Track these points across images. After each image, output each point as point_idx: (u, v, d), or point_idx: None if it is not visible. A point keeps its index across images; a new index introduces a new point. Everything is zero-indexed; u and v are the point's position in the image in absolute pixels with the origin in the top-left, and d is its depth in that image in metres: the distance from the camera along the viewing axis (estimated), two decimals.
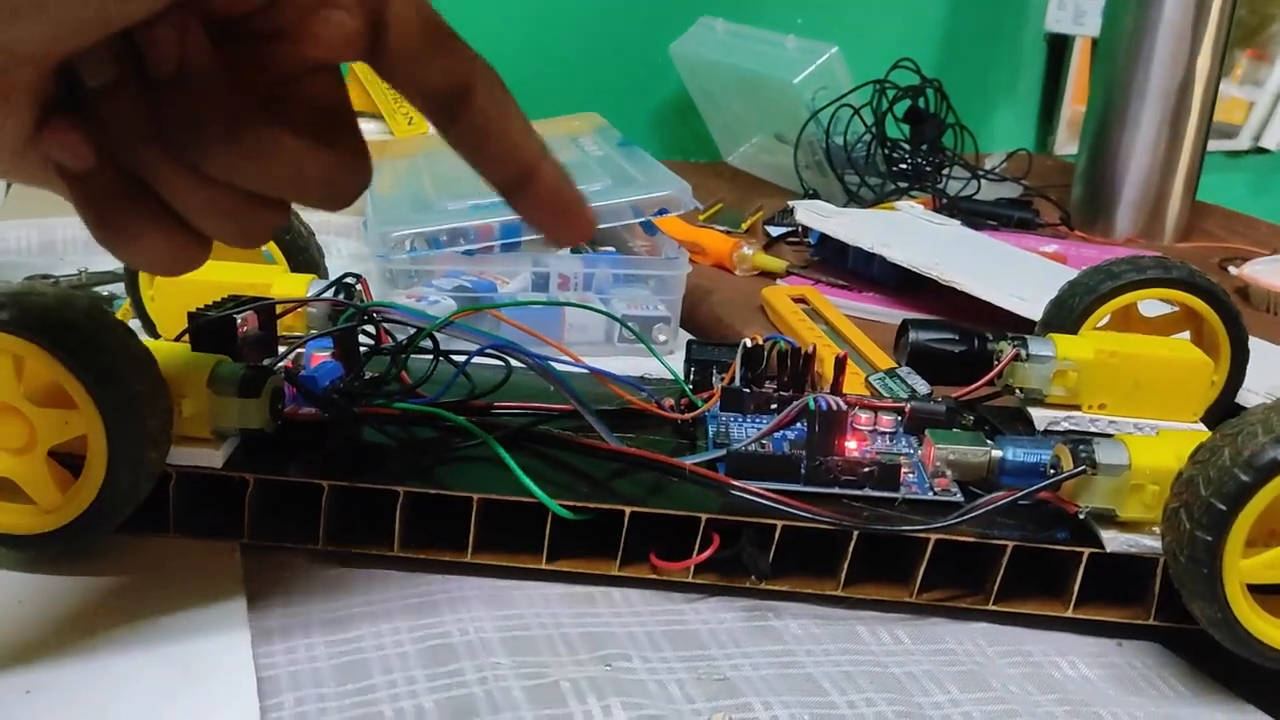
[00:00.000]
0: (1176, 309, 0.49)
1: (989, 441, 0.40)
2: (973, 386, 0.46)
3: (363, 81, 0.82)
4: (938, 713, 0.34)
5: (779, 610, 0.39)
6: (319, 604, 0.37)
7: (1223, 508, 0.33)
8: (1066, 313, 0.48)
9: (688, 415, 0.44)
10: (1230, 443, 0.33)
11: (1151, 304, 0.49)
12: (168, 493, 0.38)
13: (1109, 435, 0.38)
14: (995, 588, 0.38)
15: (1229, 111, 1.33)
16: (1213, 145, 1.31)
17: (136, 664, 0.33)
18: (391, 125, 0.80)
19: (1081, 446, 0.37)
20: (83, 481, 0.35)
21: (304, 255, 0.50)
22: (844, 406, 0.40)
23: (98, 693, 0.32)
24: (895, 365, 0.52)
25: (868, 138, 0.86)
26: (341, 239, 0.74)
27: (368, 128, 0.81)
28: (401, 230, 0.58)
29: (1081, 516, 0.37)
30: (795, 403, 0.40)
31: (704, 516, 0.38)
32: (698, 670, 0.35)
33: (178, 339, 0.41)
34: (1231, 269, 0.76)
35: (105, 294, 0.62)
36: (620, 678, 0.34)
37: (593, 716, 0.32)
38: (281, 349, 0.44)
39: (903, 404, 0.45)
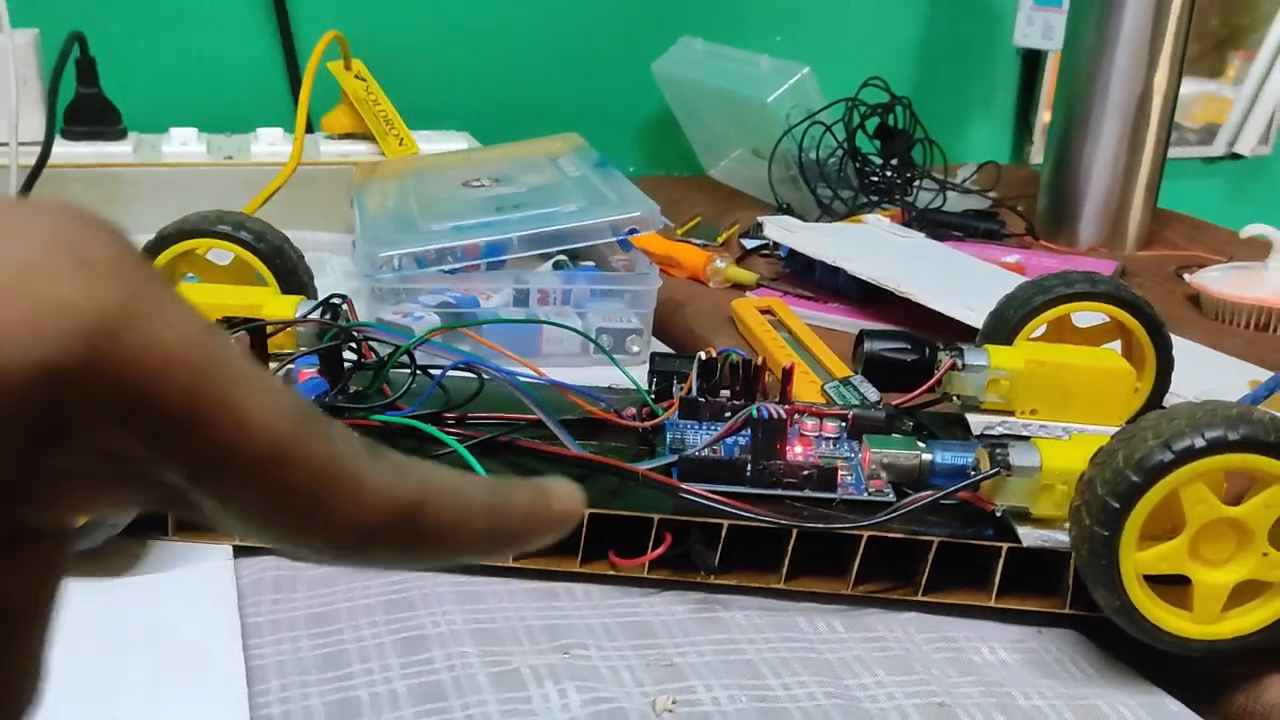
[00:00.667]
0: (1108, 320, 0.52)
1: (920, 445, 0.44)
2: (913, 394, 0.50)
3: (354, 102, 0.85)
4: (864, 694, 0.37)
5: (727, 603, 0.42)
6: (304, 600, 0.41)
7: (1116, 506, 0.36)
8: (1003, 324, 0.52)
9: (647, 424, 0.47)
10: (1124, 446, 0.37)
11: (1087, 315, 0.53)
12: None
13: (1025, 439, 0.42)
14: (924, 580, 0.42)
15: (1219, 112, 1.35)
16: (1190, 152, 1.34)
17: (136, 655, 0.36)
18: (383, 146, 0.84)
19: (997, 450, 0.40)
20: None
21: (293, 277, 0.54)
22: (783, 415, 0.43)
23: (99, 681, 0.35)
24: (852, 373, 0.55)
25: (840, 153, 0.89)
26: (335, 256, 0.77)
27: (359, 148, 0.85)
28: (388, 251, 0.62)
29: (998, 514, 0.41)
30: (740, 412, 0.44)
31: (656, 517, 0.42)
32: (648, 658, 0.38)
33: None
34: (1186, 276, 0.79)
35: None
36: (577, 664, 0.38)
37: (549, 699, 0.36)
38: (272, 366, 0.47)
39: (846, 411, 0.48)
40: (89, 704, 0.34)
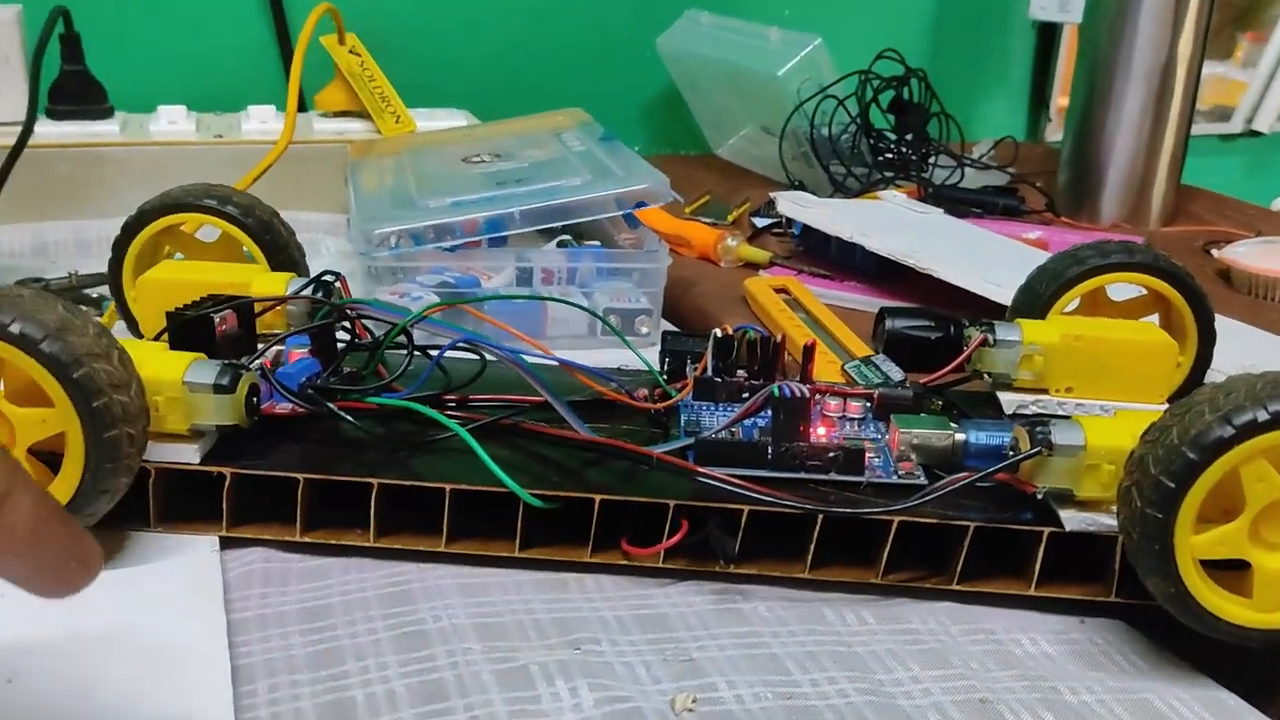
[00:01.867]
0: (1145, 293, 0.49)
1: (952, 425, 0.41)
2: (941, 372, 0.47)
3: (349, 79, 0.83)
4: (898, 689, 0.35)
5: (748, 593, 0.39)
6: (295, 594, 0.38)
7: (1171, 485, 0.33)
8: (1034, 298, 0.49)
9: (660, 405, 0.45)
10: (1179, 422, 0.34)
11: (1123, 288, 0.50)
12: (147, 488, 0.39)
13: (1065, 417, 0.39)
14: (959, 568, 0.39)
15: (1229, 94, 1.33)
16: (1206, 129, 1.31)
17: (116, 653, 0.34)
18: (379, 124, 0.81)
19: (1038, 428, 0.38)
20: (61, 477, 0.36)
21: (284, 254, 0.51)
22: (806, 393, 0.40)
23: (78, 680, 0.33)
24: (872, 353, 0.53)
25: (853, 128, 0.86)
26: (329, 236, 0.74)
27: (354, 126, 0.82)
28: (384, 228, 0.59)
29: (1039, 497, 0.38)
30: (760, 391, 0.41)
31: (672, 503, 0.39)
32: (664, 652, 0.36)
33: (156, 338, 0.42)
34: (1214, 252, 0.76)
35: (95, 295, 0.63)
36: (589, 660, 0.35)
37: (560, 698, 0.33)
38: (260, 346, 0.45)
39: (871, 390, 0.45)
40: (65, 703, 0.32)
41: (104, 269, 0.64)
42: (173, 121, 0.78)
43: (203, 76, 0.89)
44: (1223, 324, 0.63)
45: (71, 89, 0.77)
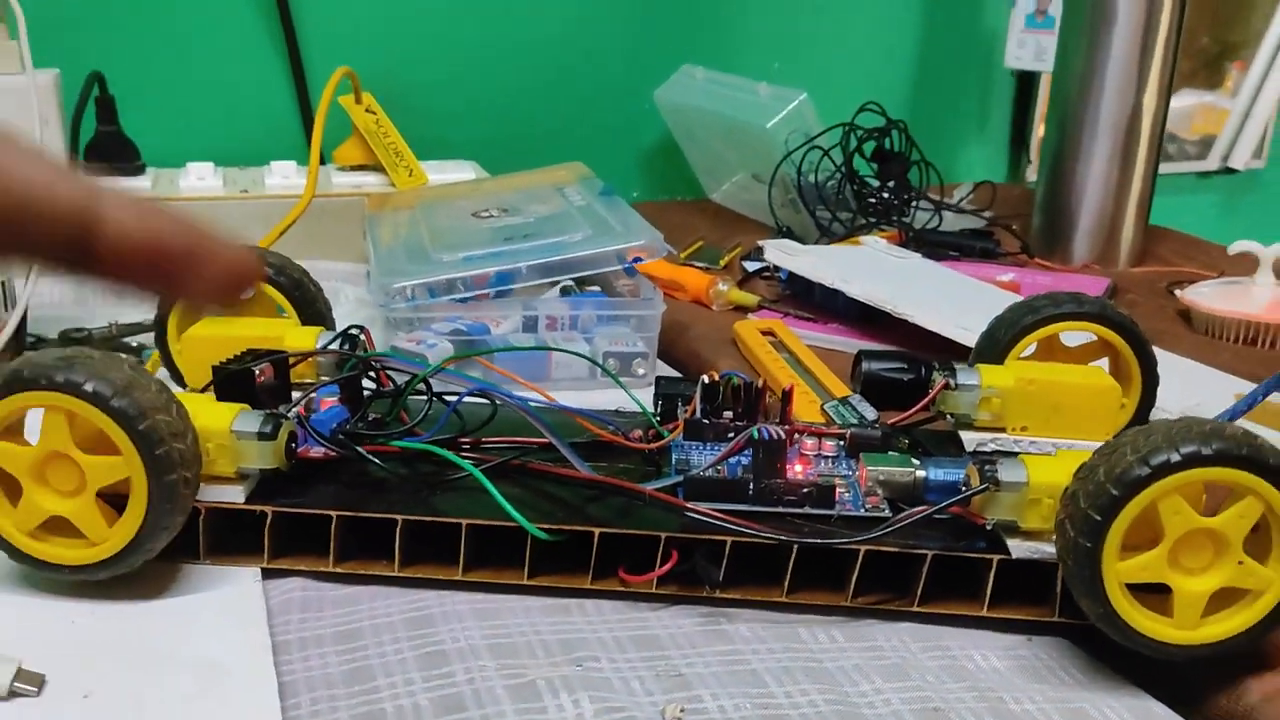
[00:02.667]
0: (1095, 339, 0.54)
1: (914, 463, 0.46)
2: (909, 413, 0.52)
3: (365, 136, 0.88)
4: (863, 700, 0.39)
5: (731, 616, 0.44)
6: (330, 619, 0.43)
7: (1098, 518, 0.38)
8: (994, 344, 0.54)
9: (653, 445, 0.50)
10: (1105, 461, 0.39)
11: (1075, 335, 0.55)
12: (198, 525, 0.44)
13: (1014, 455, 0.44)
14: (919, 591, 0.44)
15: (1217, 123, 1.37)
16: (1182, 167, 1.36)
17: (174, 672, 0.39)
18: (393, 178, 0.86)
19: (987, 466, 0.42)
20: (126, 517, 0.41)
21: (312, 308, 0.56)
22: (783, 435, 0.45)
23: (142, 696, 0.37)
24: (850, 393, 0.57)
25: (838, 176, 0.91)
26: (348, 285, 0.79)
27: (370, 180, 0.87)
28: (402, 281, 0.64)
29: (989, 528, 0.43)
30: (742, 433, 0.46)
31: (663, 535, 0.44)
32: (657, 668, 0.41)
33: (203, 390, 0.47)
34: (1177, 292, 0.81)
35: (135, 344, 0.68)
36: (590, 676, 0.40)
37: (564, 709, 0.38)
38: (295, 395, 0.50)
39: (844, 430, 0.50)
40: (134, 717, 0.36)
41: (141, 318, 0.70)
42: (201, 177, 0.83)
43: (228, 134, 0.95)
44: (1176, 363, 0.68)
45: (106, 148, 0.82)
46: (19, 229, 0.22)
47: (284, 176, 0.84)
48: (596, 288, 0.73)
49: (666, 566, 0.44)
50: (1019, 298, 0.56)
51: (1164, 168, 0.92)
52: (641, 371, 0.67)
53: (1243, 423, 0.45)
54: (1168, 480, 0.38)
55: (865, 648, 0.43)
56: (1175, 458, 0.38)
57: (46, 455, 0.41)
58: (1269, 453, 0.38)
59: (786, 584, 0.44)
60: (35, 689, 0.37)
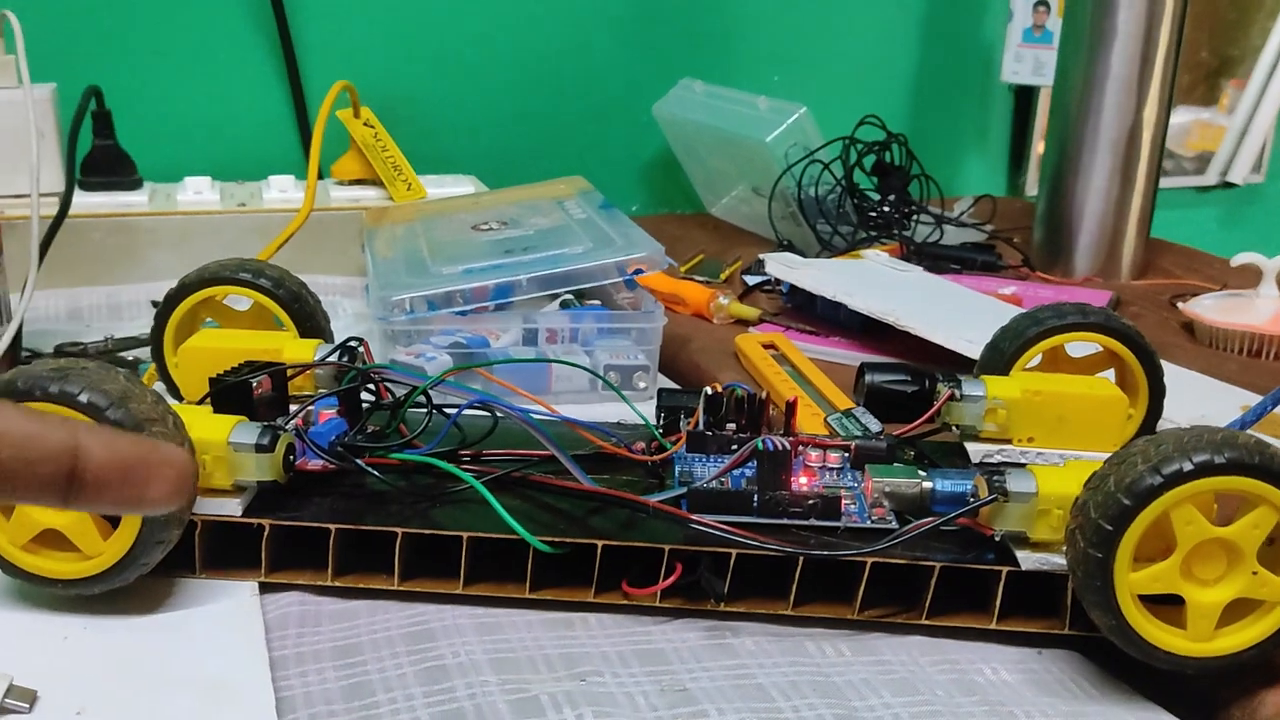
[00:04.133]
0: (1100, 350, 0.54)
1: (921, 474, 0.45)
2: (914, 424, 0.51)
3: (363, 150, 0.88)
4: (871, 715, 0.39)
5: (736, 629, 0.43)
6: (328, 633, 0.42)
7: (1109, 528, 0.38)
8: (999, 355, 0.53)
9: (656, 457, 0.49)
10: (1116, 471, 0.38)
11: (1081, 345, 0.54)
12: (194, 538, 0.43)
13: (1022, 465, 0.43)
14: (927, 604, 0.43)
15: (1214, 139, 1.37)
16: (1181, 181, 1.36)
17: (169, 688, 0.38)
18: (391, 192, 0.86)
19: (995, 477, 0.42)
20: (120, 531, 0.40)
21: (311, 321, 0.56)
22: (788, 446, 0.45)
23: (136, 713, 0.37)
24: (854, 405, 0.57)
25: (838, 190, 0.91)
26: (346, 299, 0.79)
27: (368, 194, 0.87)
28: (400, 294, 0.63)
29: (998, 539, 0.42)
30: (747, 444, 0.46)
31: (667, 548, 0.43)
32: (661, 683, 0.40)
33: (200, 402, 0.47)
34: (1180, 305, 0.81)
35: (130, 359, 0.67)
36: (593, 690, 0.39)
37: None
38: (293, 408, 0.49)
39: (849, 442, 0.50)
40: None
41: (136, 332, 0.69)
42: (198, 191, 0.83)
43: (226, 148, 0.94)
44: (1182, 375, 0.68)
45: (103, 162, 0.82)
46: (20, 476, 0.26)
47: (281, 190, 0.84)
48: (597, 301, 0.72)
49: (671, 579, 0.43)
50: (1021, 311, 0.56)
51: (1162, 182, 0.91)
52: (643, 385, 0.66)
53: (1251, 433, 0.44)
54: (1180, 489, 0.37)
55: (873, 661, 0.42)
56: (1187, 466, 0.37)
57: None
58: None
59: (792, 597, 0.43)
60: (27, 705, 0.36)
